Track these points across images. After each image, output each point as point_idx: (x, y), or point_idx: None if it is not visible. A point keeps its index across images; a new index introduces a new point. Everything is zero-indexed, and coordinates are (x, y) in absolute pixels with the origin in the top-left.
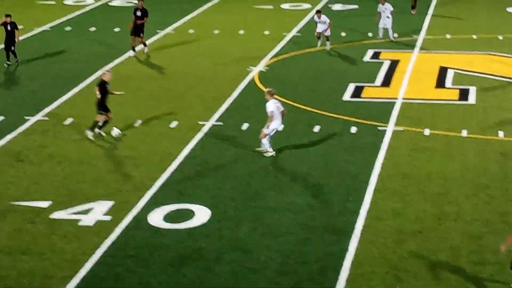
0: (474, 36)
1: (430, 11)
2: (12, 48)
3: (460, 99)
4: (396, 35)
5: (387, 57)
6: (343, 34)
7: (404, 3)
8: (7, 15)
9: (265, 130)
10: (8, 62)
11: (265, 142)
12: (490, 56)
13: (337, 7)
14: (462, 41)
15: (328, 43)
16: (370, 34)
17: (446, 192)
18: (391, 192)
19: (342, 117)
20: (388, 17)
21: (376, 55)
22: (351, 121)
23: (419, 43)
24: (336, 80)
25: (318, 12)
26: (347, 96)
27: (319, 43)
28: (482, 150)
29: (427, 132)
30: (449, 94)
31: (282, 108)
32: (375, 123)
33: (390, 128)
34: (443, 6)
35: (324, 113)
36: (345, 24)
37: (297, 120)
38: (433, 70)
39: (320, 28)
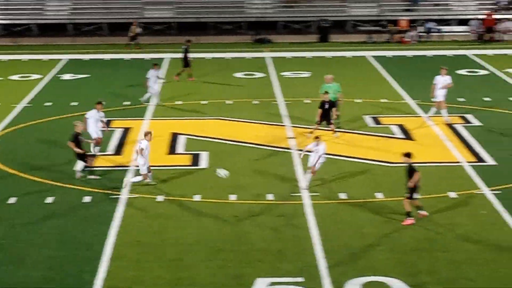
0: (204, 102)
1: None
2: None
3: (192, 164)
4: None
5: (118, 125)
6: (74, 103)
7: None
8: None
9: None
10: None
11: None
12: (220, 120)
13: (66, 76)
14: (192, 106)
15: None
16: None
17: (181, 257)
18: (127, 260)
19: (76, 187)
20: (158, 83)
21: (108, 124)
22: (85, 191)
23: (150, 111)
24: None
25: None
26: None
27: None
28: (215, 214)
29: (160, 198)
30: (182, 159)
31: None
32: (109, 192)
33: (124, 196)
34: (172, 73)
35: (58, 183)
36: (76, 94)
37: (29, 192)
38: (164, 137)
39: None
